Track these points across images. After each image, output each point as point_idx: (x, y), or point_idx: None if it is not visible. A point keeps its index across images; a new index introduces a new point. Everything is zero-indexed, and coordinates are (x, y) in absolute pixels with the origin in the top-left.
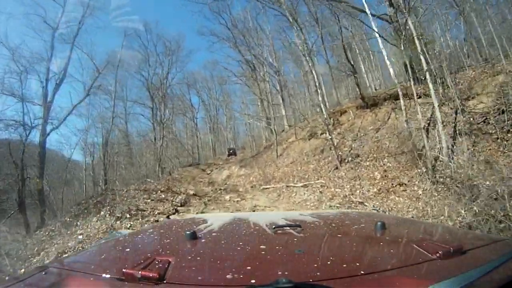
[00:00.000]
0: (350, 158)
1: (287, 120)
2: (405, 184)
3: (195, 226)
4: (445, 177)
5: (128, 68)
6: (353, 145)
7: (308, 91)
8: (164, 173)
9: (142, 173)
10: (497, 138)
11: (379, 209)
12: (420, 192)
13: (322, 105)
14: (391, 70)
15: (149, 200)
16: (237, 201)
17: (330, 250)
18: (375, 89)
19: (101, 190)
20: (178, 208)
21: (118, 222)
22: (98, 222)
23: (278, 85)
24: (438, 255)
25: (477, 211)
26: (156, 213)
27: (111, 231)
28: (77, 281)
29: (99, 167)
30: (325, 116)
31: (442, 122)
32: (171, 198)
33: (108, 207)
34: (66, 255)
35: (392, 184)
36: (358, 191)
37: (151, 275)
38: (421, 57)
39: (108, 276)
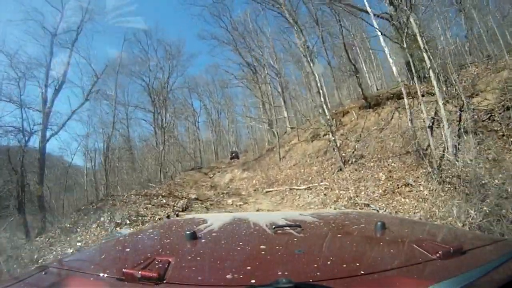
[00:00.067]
0: (354, 159)
1: (289, 122)
2: (411, 184)
3: (195, 226)
4: (451, 176)
5: (129, 73)
6: (356, 146)
7: (310, 92)
8: (166, 178)
9: (144, 178)
10: (503, 135)
11: (385, 210)
12: (426, 192)
13: (324, 106)
14: (394, 68)
15: (150, 205)
16: (240, 205)
17: (330, 250)
18: (377, 89)
19: (102, 195)
20: (180, 213)
21: (117, 228)
22: (97, 228)
23: (280, 87)
24: (438, 255)
25: (487, 211)
26: (156, 218)
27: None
28: (77, 281)
29: (101, 172)
30: (328, 117)
31: (447, 120)
32: (173, 203)
33: (108, 213)
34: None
35: (397, 184)
36: (363, 193)
37: (151, 275)
38: (424, 54)
39: (108, 276)
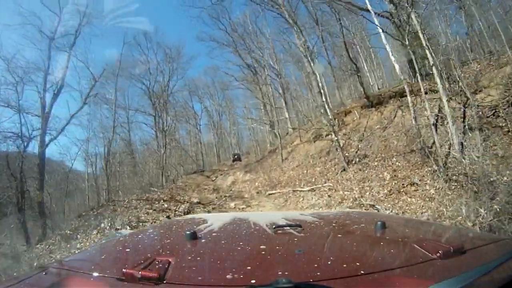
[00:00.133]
0: (357, 159)
1: (290, 123)
2: (416, 183)
3: (195, 226)
4: (457, 174)
5: (129, 77)
6: (359, 146)
7: (311, 93)
8: (168, 181)
9: (146, 182)
10: (508, 131)
11: (392, 211)
12: (432, 191)
13: (326, 106)
14: (396, 66)
15: (151, 211)
16: (243, 208)
17: (330, 250)
18: (378, 88)
19: (104, 200)
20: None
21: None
22: (98, 234)
23: (280, 88)
24: (438, 255)
25: (498, 209)
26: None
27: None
28: (77, 281)
29: (102, 177)
30: (330, 117)
31: (451, 118)
32: (174, 208)
33: (109, 219)
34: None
35: (402, 184)
36: (368, 193)
37: (151, 275)
38: (427, 51)
39: (108, 276)
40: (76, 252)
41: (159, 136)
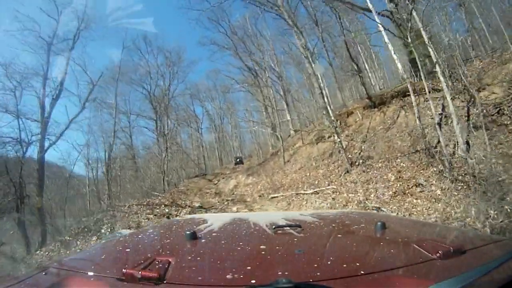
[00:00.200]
0: (361, 161)
1: (292, 125)
2: (422, 184)
3: (195, 226)
4: (463, 174)
5: (130, 81)
6: (363, 147)
7: (312, 94)
8: (170, 186)
9: (147, 187)
10: None
11: (398, 213)
12: (438, 192)
13: (328, 107)
14: (398, 65)
15: (151, 216)
16: (245, 212)
17: (330, 250)
18: (380, 89)
19: (105, 205)
20: None
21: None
22: (97, 241)
23: (282, 90)
24: (438, 255)
25: (508, 210)
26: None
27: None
28: (77, 281)
29: (103, 182)
30: (332, 118)
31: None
32: (175, 212)
33: (109, 225)
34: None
35: (407, 185)
36: (372, 195)
37: (151, 275)
38: (429, 48)
39: (108, 276)
40: None
41: (160, 140)
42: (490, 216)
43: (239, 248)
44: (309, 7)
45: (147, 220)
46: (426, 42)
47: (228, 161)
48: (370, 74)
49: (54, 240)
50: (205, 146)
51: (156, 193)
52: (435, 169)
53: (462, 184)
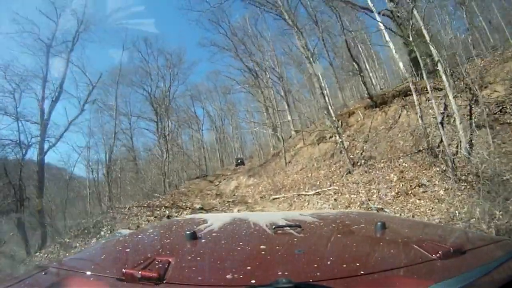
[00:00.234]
0: (362, 161)
1: (293, 126)
2: (425, 185)
3: (195, 226)
4: (467, 174)
5: (130, 83)
6: (364, 147)
7: (313, 95)
8: (171, 187)
9: (148, 188)
10: None
11: (400, 214)
12: (442, 192)
13: (329, 107)
14: (400, 64)
15: (151, 218)
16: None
17: (330, 250)
18: (380, 88)
19: (105, 207)
20: None
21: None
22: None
23: (282, 91)
24: (438, 255)
25: None
26: None
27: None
28: (77, 281)
29: (104, 183)
30: (334, 118)
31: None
32: (176, 214)
33: (109, 227)
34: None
35: (410, 185)
36: (375, 196)
37: (151, 275)
38: (431, 47)
39: (108, 276)
40: None
41: (161, 142)
42: (495, 216)
43: (239, 248)
44: (309, 7)
45: (147, 222)
46: (428, 41)
47: (229, 162)
48: (370, 74)
49: (54, 242)
50: (206, 147)
51: (156, 194)
52: (438, 169)
53: (465, 184)
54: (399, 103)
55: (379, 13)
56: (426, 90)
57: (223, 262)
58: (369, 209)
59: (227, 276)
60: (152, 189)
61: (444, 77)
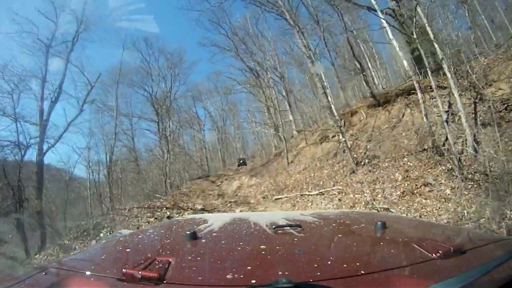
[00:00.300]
0: (366, 160)
1: (295, 125)
2: (431, 184)
3: (195, 226)
4: (473, 172)
5: (131, 84)
6: (368, 146)
7: (315, 95)
8: (172, 188)
9: (149, 189)
10: None
11: (407, 214)
12: (448, 191)
13: (332, 106)
14: (404, 62)
15: (152, 219)
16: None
17: (330, 250)
18: (382, 88)
19: (106, 208)
20: None
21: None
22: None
23: (284, 91)
24: (438, 255)
25: None
26: None
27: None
28: (77, 281)
29: (105, 184)
30: (336, 117)
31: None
32: (177, 215)
33: (108, 229)
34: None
35: (416, 185)
36: (380, 196)
37: (151, 275)
38: (435, 44)
39: (108, 276)
40: None
41: (162, 142)
42: (506, 216)
43: (239, 248)
44: (310, 7)
45: (147, 223)
46: (432, 38)
47: (231, 163)
48: (373, 73)
49: (53, 243)
50: (208, 147)
51: (158, 195)
52: (443, 167)
53: (472, 183)
54: (403, 101)
55: (381, 11)
56: (430, 88)
57: (223, 262)
58: (374, 209)
59: (227, 276)
60: (153, 189)
61: (449, 75)
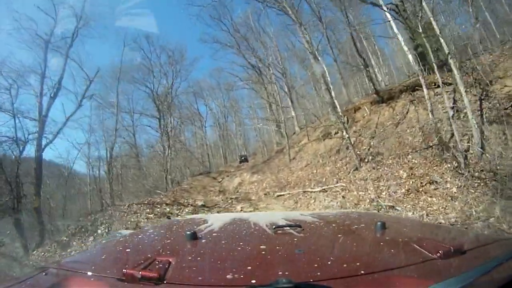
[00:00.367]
0: (370, 157)
1: (297, 122)
2: (436, 181)
3: (195, 227)
4: (480, 170)
5: (133, 80)
6: (372, 143)
7: (317, 91)
8: (173, 184)
9: (150, 185)
10: None
11: (413, 213)
12: (454, 189)
13: (336, 102)
14: (409, 57)
15: (151, 215)
16: (250, 211)
17: (330, 250)
18: (385, 85)
19: (106, 204)
20: None
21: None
22: (94, 242)
23: (286, 87)
24: (438, 255)
25: None
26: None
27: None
28: (78, 281)
29: (105, 180)
30: (340, 113)
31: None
32: (177, 212)
33: (107, 225)
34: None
35: (421, 182)
36: (384, 193)
37: (151, 276)
38: (441, 39)
39: (108, 276)
40: None
41: (163, 138)
42: None
43: (239, 248)
44: (313, 3)
45: (146, 220)
46: (438, 33)
47: (232, 159)
48: (376, 70)
49: (51, 240)
50: (209, 144)
51: (158, 191)
52: (449, 165)
53: (479, 181)
54: (407, 98)
55: (385, 6)
56: (434, 85)
57: (224, 262)
58: (380, 206)
59: (228, 276)
60: (154, 186)
61: (455, 70)
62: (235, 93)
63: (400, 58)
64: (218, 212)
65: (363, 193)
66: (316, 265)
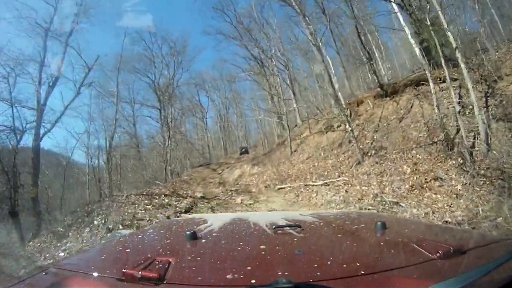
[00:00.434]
0: (373, 151)
1: (299, 114)
2: (441, 178)
3: (195, 226)
4: (486, 168)
5: (134, 71)
6: (375, 137)
7: (319, 83)
8: (173, 175)
9: (149, 176)
10: None
11: (417, 210)
12: (459, 187)
13: (339, 94)
14: (416, 50)
15: (149, 207)
16: (250, 204)
17: (330, 250)
18: (388, 80)
19: (104, 194)
20: (182, 214)
21: (109, 234)
22: (90, 233)
23: (288, 79)
24: (438, 255)
25: None
26: (154, 222)
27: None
28: (78, 281)
29: (105, 170)
30: (343, 106)
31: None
32: (176, 203)
33: (103, 216)
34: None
35: (425, 179)
36: (387, 188)
37: (151, 276)
38: (448, 33)
39: (108, 276)
40: (60, 254)
41: (163, 129)
42: None
43: (239, 248)
44: None
45: (144, 211)
46: (445, 27)
47: (233, 151)
48: (379, 63)
49: (48, 231)
50: (210, 135)
51: (157, 182)
52: (454, 162)
53: (484, 179)
54: (411, 92)
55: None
56: (439, 80)
57: (223, 262)
58: (384, 202)
59: (227, 276)
60: (154, 176)
61: (462, 65)
62: (237, 84)
63: (403, 53)
64: (217, 204)
65: (366, 188)
66: (316, 265)
